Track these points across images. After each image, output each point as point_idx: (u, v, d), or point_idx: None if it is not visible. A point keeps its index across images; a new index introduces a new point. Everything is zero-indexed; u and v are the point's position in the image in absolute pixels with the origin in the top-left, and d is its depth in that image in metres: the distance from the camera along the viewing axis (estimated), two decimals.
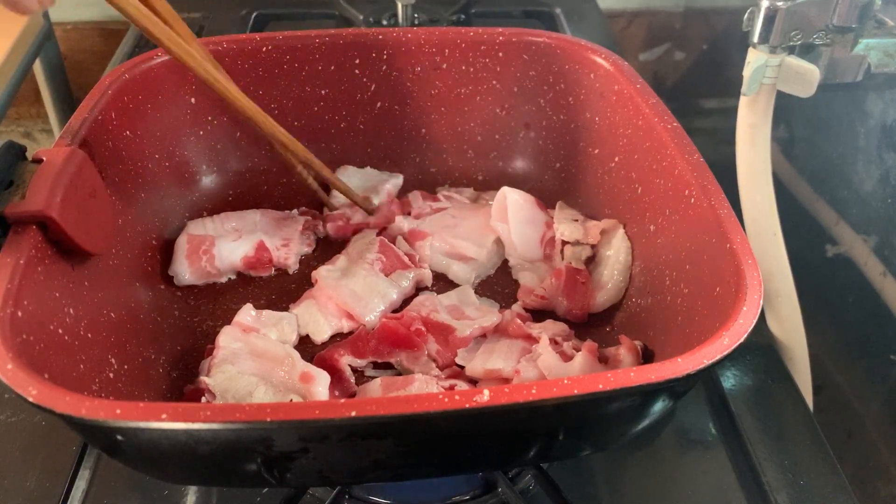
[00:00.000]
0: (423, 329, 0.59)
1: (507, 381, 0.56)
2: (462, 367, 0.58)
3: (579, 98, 0.70)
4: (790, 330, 0.68)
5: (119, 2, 0.49)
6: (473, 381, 0.57)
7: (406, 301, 0.64)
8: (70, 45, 1.18)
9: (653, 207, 0.60)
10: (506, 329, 0.60)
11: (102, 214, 0.54)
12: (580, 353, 0.55)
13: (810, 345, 0.68)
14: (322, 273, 0.64)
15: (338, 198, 0.72)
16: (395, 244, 0.68)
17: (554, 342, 0.57)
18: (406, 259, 0.66)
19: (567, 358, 0.55)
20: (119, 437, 0.39)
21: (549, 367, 0.54)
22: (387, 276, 0.65)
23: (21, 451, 0.55)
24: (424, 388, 0.55)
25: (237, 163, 0.72)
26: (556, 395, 0.38)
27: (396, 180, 0.74)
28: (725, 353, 0.41)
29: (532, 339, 0.58)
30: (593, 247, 0.66)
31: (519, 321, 0.60)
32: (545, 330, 0.59)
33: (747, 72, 0.61)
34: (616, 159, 0.66)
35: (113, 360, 0.51)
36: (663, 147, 0.58)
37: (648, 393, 0.41)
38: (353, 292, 0.62)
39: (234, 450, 0.39)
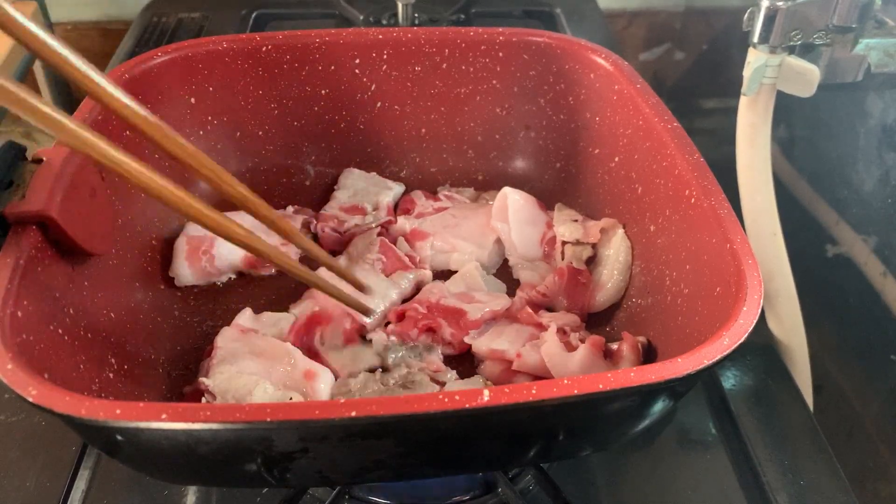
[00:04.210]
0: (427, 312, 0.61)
1: (509, 362, 0.57)
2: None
3: (579, 98, 0.70)
4: (790, 330, 0.68)
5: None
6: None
7: (406, 301, 0.64)
8: (72, 41, 1.18)
9: (653, 207, 0.60)
10: (516, 316, 0.61)
11: (102, 214, 0.54)
12: (583, 345, 0.56)
13: (810, 345, 0.68)
14: (322, 273, 0.64)
15: (330, 204, 0.72)
16: (395, 244, 0.68)
17: (562, 332, 0.58)
18: (406, 260, 0.66)
19: (572, 348, 0.56)
20: (119, 437, 0.39)
21: (550, 355, 0.55)
22: (387, 276, 0.65)
23: (21, 451, 0.55)
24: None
25: (237, 163, 0.72)
26: (556, 395, 0.38)
27: (396, 191, 0.74)
28: (726, 353, 0.41)
29: (542, 327, 0.59)
30: (594, 246, 0.66)
31: (529, 309, 0.61)
32: (555, 319, 0.60)
33: (747, 72, 0.61)
34: (616, 159, 0.66)
35: (113, 360, 0.51)
36: (663, 147, 0.58)
37: (648, 393, 0.41)
38: (354, 292, 0.62)
39: (233, 450, 0.39)
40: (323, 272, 0.58)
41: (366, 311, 0.60)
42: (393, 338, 0.60)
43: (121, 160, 0.42)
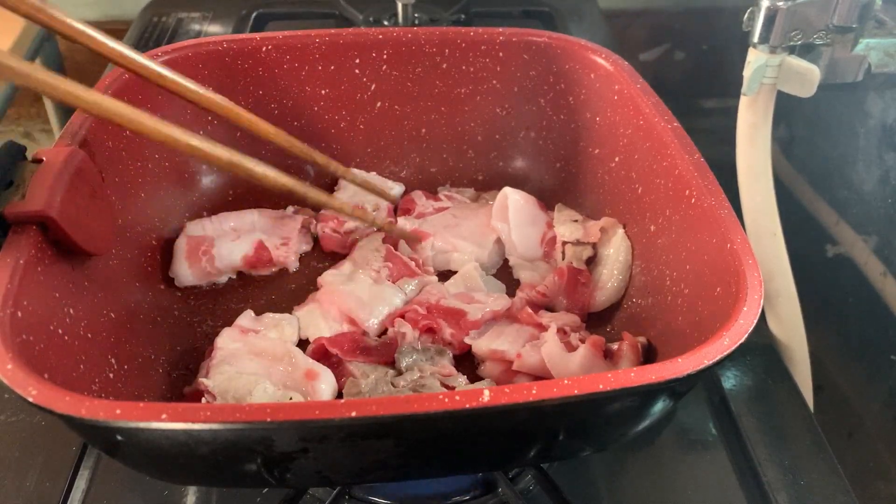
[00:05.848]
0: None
1: (509, 363, 0.57)
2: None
3: (579, 98, 0.70)
4: (790, 330, 0.68)
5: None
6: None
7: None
8: (70, 45, 1.18)
9: (653, 207, 0.60)
10: (516, 316, 0.61)
11: (102, 214, 0.54)
12: (583, 345, 0.56)
13: (810, 345, 0.68)
14: (327, 279, 0.64)
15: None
16: (396, 245, 0.68)
17: (562, 332, 0.58)
18: (413, 266, 0.66)
19: (572, 348, 0.56)
20: (119, 437, 0.39)
21: (550, 355, 0.55)
22: (394, 283, 0.65)
23: (21, 451, 0.55)
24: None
25: None
26: (556, 396, 0.38)
27: (397, 191, 0.74)
28: (726, 353, 0.41)
29: (542, 328, 0.59)
30: (594, 246, 0.66)
31: (529, 309, 0.61)
32: (555, 320, 0.60)
33: (747, 72, 0.61)
34: (616, 159, 0.66)
35: (113, 360, 0.51)
36: (664, 147, 0.58)
37: (649, 393, 0.41)
38: (359, 298, 0.62)
39: (233, 450, 0.39)
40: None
41: (393, 200, 0.71)
42: (408, 341, 0.60)
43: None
